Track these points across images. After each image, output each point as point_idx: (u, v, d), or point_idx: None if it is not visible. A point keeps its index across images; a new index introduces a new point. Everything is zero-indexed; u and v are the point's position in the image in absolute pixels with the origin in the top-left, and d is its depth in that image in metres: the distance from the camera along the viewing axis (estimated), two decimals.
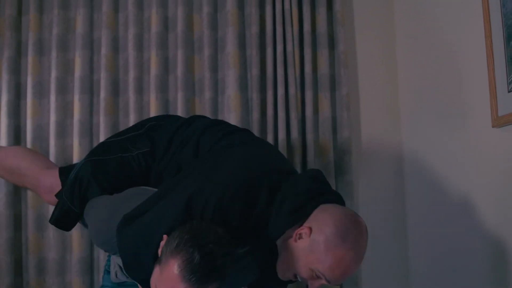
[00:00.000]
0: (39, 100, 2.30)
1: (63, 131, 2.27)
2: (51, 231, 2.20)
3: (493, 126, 1.56)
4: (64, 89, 2.31)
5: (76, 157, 2.19)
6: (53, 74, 2.29)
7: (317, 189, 1.45)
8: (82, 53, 2.30)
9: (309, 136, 2.27)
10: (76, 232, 2.17)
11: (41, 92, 2.31)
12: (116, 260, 1.57)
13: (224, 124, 1.78)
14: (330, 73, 2.34)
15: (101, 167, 1.65)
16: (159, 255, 1.30)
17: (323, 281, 1.37)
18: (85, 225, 1.70)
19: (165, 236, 1.31)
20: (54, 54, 2.30)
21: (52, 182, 1.78)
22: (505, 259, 1.58)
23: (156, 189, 1.54)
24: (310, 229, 1.36)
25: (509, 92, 1.47)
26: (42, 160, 1.98)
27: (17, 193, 2.23)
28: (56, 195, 1.74)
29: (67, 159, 2.24)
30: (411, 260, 2.30)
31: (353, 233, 1.36)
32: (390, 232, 2.34)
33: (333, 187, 2.23)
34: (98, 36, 2.35)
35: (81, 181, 1.65)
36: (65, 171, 1.79)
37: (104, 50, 2.30)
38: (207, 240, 1.23)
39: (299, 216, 1.39)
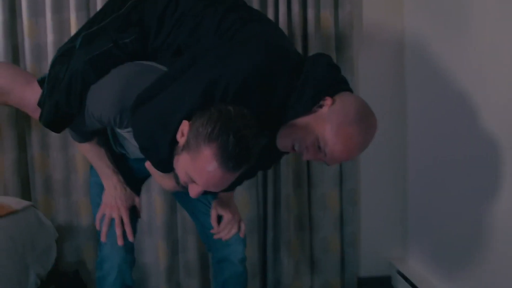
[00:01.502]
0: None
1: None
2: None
3: None
4: None
5: None
6: None
7: (336, 77, 1.45)
8: None
9: (310, 11, 2.23)
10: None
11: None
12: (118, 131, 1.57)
13: None
14: None
15: (99, 64, 1.48)
16: (178, 140, 1.29)
17: (321, 155, 1.38)
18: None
19: (185, 122, 1.28)
20: None
21: (37, 98, 1.61)
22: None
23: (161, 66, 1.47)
24: (334, 101, 1.38)
25: None
26: (22, 74, 1.82)
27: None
28: (40, 103, 1.58)
29: None
30: (409, 139, 2.36)
31: (368, 122, 1.38)
32: (389, 109, 2.38)
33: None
34: None
35: (78, 84, 1.47)
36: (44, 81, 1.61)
37: None
38: (239, 125, 1.21)
39: (320, 100, 1.39)
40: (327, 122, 1.35)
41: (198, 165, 1.23)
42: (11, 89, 1.76)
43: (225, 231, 1.69)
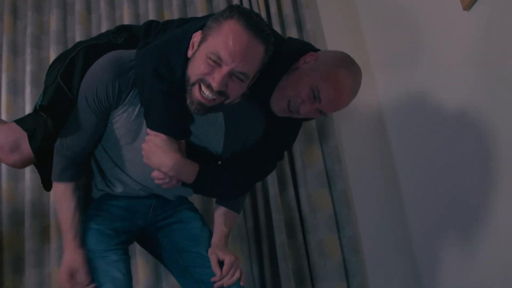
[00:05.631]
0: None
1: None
2: None
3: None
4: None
5: None
6: None
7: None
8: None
9: None
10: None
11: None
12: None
13: None
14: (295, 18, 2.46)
15: (91, 52, 1.52)
16: (190, 56, 1.35)
17: (317, 104, 1.43)
18: None
19: (196, 33, 1.36)
20: None
21: (17, 137, 1.50)
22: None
23: None
24: (318, 56, 1.47)
25: None
26: None
27: None
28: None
29: None
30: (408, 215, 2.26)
31: (354, 67, 1.48)
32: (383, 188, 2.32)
33: None
34: None
35: (76, 63, 1.50)
36: (24, 120, 1.54)
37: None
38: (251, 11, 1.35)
39: (309, 48, 1.51)
40: (316, 71, 1.43)
41: (222, 33, 1.27)
42: None
43: (228, 275, 1.51)
